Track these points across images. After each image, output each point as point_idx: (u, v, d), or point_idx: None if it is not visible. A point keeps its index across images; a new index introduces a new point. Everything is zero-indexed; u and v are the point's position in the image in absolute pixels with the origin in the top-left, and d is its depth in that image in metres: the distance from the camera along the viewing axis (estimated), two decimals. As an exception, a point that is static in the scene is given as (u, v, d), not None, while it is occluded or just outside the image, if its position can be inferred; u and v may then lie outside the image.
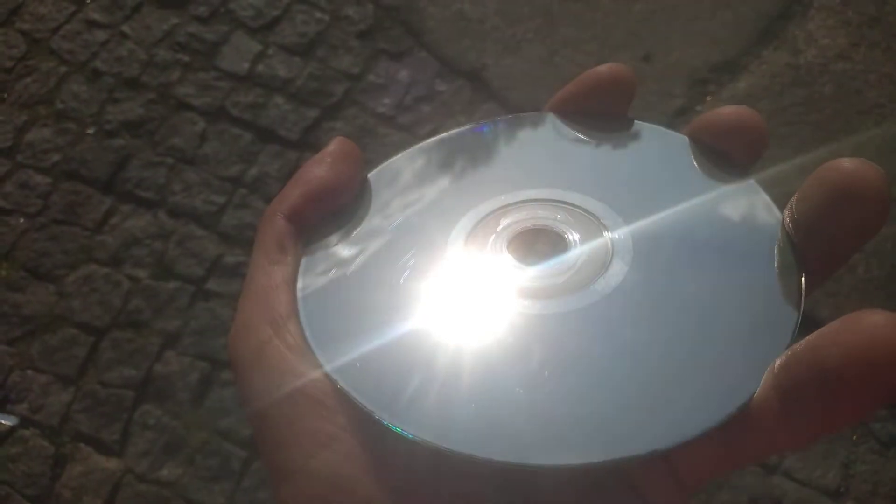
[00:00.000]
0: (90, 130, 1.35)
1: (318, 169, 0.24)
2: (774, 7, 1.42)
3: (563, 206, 0.25)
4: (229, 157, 1.31)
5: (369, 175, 0.26)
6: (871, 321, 0.16)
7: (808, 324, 0.19)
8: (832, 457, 1.08)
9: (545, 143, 0.27)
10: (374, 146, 1.31)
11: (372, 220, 0.25)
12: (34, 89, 1.39)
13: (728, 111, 0.23)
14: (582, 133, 0.27)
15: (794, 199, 0.22)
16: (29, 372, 1.15)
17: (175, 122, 1.35)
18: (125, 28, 1.44)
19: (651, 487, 0.20)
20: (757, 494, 1.05)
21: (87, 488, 1.07)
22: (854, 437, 1.09)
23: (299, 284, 0.23)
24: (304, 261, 0.24)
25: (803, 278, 0.21)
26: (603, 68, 0.25)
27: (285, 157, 1.31)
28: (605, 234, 0.23)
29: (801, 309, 0.20)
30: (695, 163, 0.25)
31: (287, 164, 1.30)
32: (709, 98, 1.33)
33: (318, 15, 1.45)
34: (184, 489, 1.07)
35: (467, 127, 0.28)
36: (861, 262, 1.19)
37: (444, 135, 0.28)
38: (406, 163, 0.27)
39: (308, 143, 1.32)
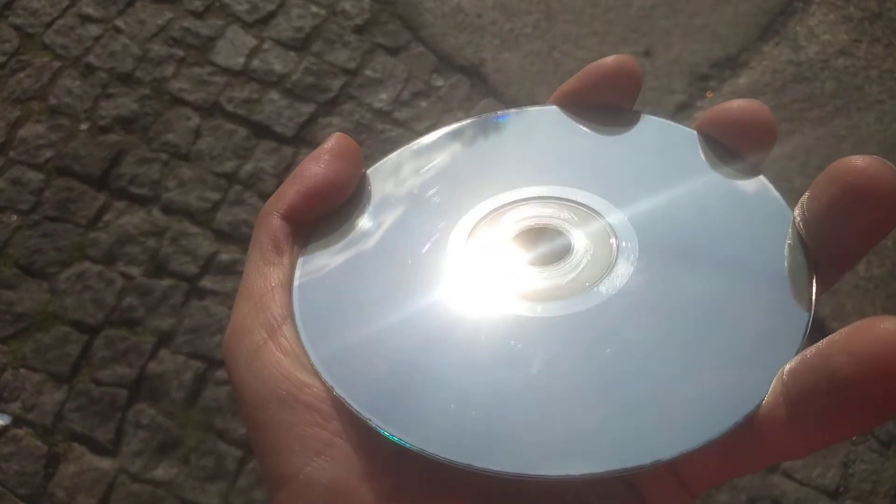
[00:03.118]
0: (83, 126, 1.34)
1: (316, 166, 0.24)
2: (775, 3, 1.42)
3: (567, 203, 0.24)
4: (224, 153, 1.30)
5: (368, 171, 0.26)
6: (882, 328, 0.16)
7: (815, 327, 0.19)
8: (831, 456, 1.08)
9: (549, 137, 0.26)
10: (371, 142, 1.30)
11: (370, 219, 0.24)
12: (27, 84, 1.38)
13: (737, 105, 0.23)
14: (587, 127, 0.26)
15: (804, 197, 0.21)
16: (22, 370, 1.14)
17: (169, 117, 1.34)
18: (119, 23, 1.44)
19: (655, 492, 0.20)
20: (756, 494, 1.05)
21: (80, 488, 1.07)
22: (853, 437, 1.09)
23: (295, 286, 0.22)
24: (300, 261, 0.23)
25: (814, 280, 0.20)
26: (608, 60, 0.25)
27: (281, 154, 1.30)
28: (610, 233, 0.23)
29: (812, 312, 0.20)
30: (703, 158, 0.24)
31: (282, 160, 1.30)
32: (709, 94, 1.33)
33: (314, 9, 1.44)
34: (178, 489, 1.06)
35: (468, 121, 0.27)
36: (862, 260, 1.19)
37: (445, 130, 0.27)
38: (405, 159, 0.26)
39: (304, 139, 1.31)
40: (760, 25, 1.40)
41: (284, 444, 0.19)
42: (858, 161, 0.19)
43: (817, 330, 0.17)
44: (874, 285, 1.18)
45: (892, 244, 1.20)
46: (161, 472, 1.07)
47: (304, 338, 0.21)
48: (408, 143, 0.27)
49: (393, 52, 1.40)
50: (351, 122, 1.33)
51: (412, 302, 0.22)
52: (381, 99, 1.35)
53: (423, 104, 1.35)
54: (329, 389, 0.20)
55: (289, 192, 0.23)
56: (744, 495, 1.05)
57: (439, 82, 1.37)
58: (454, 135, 0.27)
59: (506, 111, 0.27)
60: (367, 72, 1.38)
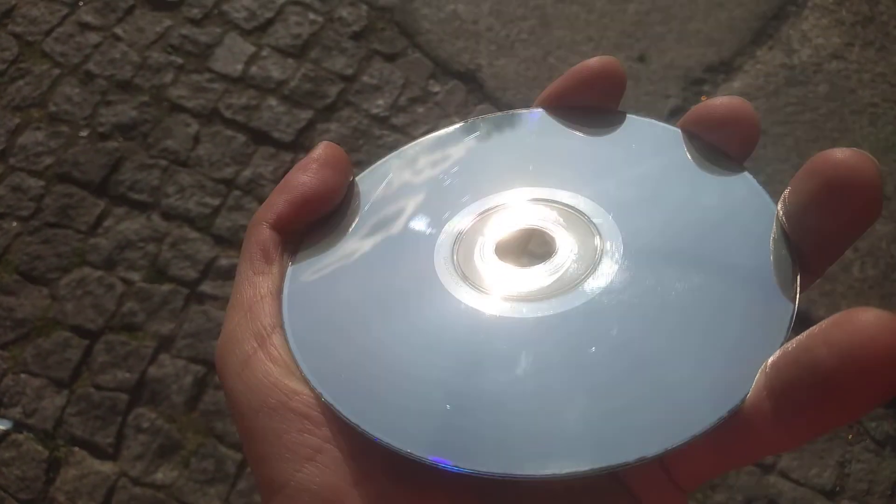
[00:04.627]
0: (83, 133, 1.34)
1: (303, 175, 0.24)
2: (769, 7, 1.42)
3: (553, 205, 0.24)
4: (223, 159, 1.31)
5: (357, 178, 0.26)
6: (862, 319, 0.16)
7: (803, 323, 0.19)
8: (828, 456, 1.08)
9: (535, 140, 0.26)
10: (368, 147, 1.30)
11: (359, 226, 0.25)
12: (27, 92, 1.39)
13: (720, 103, 0.23)
14: (572, 129, 0.26)
15: (787, 191, 0.21)
16: (22, 376, 1.15)
17: (168, 124, 1.34)
18: (118, 30, 1.44)
19: (646, 489, 0.20)
20: (753, 494, 1.05)
21: (81, 492, 1.07)
22: (849, 437, 1.09)
23: (284, 294, 0.23)
24: (290, 269, 0.23)
25: (798, 274, 0.20)
26: (593, 61, 0.25)
27: (279, 159, 1.31)
28: (595, 233, 0.23)
29: (796, 305, 0.20)
30: (688, 156, 0.24)
31: (281, 165, 1.30)
32: (703, 98, 1.33)
33: (312, 16, 1.44)
34: (178, 492, 1.06)
35: (454, 126, 0.27)
36: (856, 261, 1.19)
37: (431, 136, 0.27)
38: (393, 165, 0.26)
39: (302, 145, 1.32)
40: (754, 30, 1.40)
41: (276, 451, 0.19)
42: (838, 153, 0.19)
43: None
44: (868, 286, 1.18)
45: (885, 245, 1.20)
46: (161, 475, 1.07)
47: (293, 346, 0.21)
48: (396, 150, 0.27)
49: (390, 58, 1.41)
50: (348, 128, 1.33)
51: (399, 307, 0.22)
52: (379, 105, 1.36)
53: (420, 110, 1.35)
54: (318, 396, 0.20)
55: (277, 201, 0.24)
56: (740, 495, 1.05)
57: (436, 88, 1.37)
58: (440, 140, 0.27)
59: (493, 115, 0.27)
60: (365, 78, 1.38)
